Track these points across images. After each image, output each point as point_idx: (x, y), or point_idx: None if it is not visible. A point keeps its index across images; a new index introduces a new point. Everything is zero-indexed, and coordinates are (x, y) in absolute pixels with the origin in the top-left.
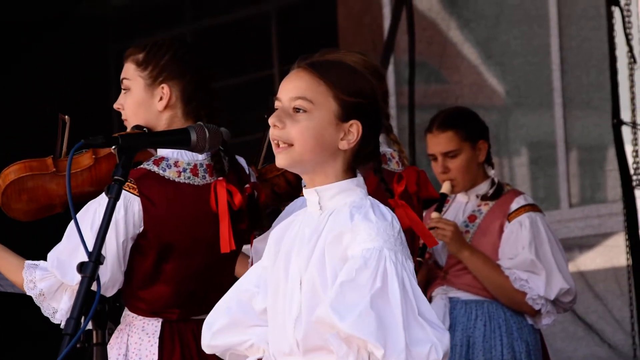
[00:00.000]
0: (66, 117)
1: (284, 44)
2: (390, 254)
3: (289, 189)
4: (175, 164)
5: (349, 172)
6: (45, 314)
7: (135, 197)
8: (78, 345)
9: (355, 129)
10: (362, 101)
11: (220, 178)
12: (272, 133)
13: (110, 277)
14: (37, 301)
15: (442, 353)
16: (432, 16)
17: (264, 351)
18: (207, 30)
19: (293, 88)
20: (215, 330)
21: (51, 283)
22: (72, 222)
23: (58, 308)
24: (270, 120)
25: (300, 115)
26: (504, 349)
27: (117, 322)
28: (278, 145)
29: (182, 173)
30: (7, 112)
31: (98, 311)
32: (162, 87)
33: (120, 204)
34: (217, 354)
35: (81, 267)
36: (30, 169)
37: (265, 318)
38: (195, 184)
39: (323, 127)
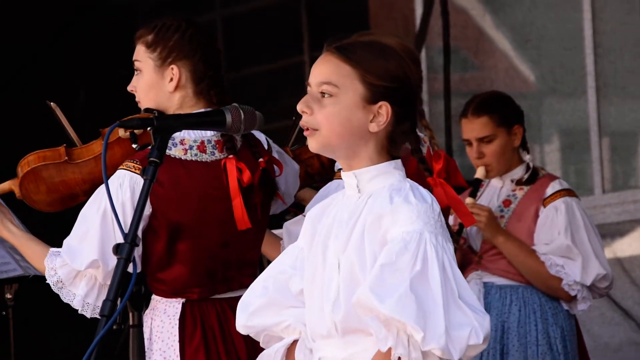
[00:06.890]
0: (52, 103)
1: (314, 31)
2: (430, 237)
3: (322, 170)
4: (181, 142)
5: (385, 154)
6: (65, 300)
7: (141, 177)
8: (114, 327)
9: (384, 110)
10: (391, 81)
11: (231, 156)
12: (302, 119)
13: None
14: (55, 289)
15: (483, 337)
16: (465, 1)
17: (301, 332)
18: (237, 17)
19: (319, 73)
20: (252, 310)
21: (69, 270)
22: (83, 209)
23: (77, 294)
24: (299, 107)
25: (326, 100)
26: (539, 334)
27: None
28: (307, 129)
29: (189, 150)
30: (38, 101)
31: (134, 293)
32: (172, 68)
33: (126, 186)
34: (251, 335)
35: (117, 248)
36: (44, 159)
37: (302, 299)
38: (203, 160)
39: (350, 110)
